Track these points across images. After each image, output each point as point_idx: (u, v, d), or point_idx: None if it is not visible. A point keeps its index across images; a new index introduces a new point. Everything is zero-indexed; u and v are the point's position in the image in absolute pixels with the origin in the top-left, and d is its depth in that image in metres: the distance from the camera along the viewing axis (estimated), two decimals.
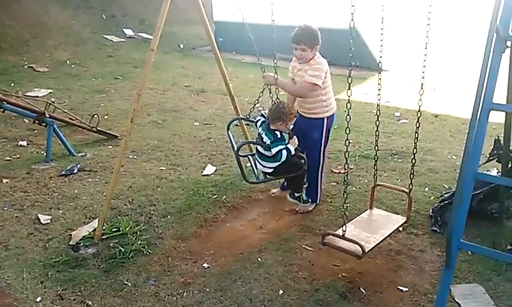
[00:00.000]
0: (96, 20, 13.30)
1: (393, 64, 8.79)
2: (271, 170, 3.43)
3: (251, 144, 4.19)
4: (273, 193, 4.13)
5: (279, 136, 3.34)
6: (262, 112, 3.57)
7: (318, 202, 3.95)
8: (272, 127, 3.38)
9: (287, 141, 3.37)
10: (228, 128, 3.60)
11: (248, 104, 4.63)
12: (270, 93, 3.47)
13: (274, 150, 3.28)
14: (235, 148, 3.37)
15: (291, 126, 3.44)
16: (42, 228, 3.63)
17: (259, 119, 3.50)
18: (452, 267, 2.25)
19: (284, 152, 3.27)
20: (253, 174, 3.73)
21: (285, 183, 3.80)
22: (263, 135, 3.39)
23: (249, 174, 3.71)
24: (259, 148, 3.48)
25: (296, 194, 3.67)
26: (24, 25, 11.12)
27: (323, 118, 3.68)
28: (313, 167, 3.74)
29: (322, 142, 3.75)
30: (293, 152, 3.33)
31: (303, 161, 3.40)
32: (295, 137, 3.42)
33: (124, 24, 13.66)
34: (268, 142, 3.32)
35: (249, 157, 3.77)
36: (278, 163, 3.35)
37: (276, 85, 3.42)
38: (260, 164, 3.46)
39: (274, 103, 3.36)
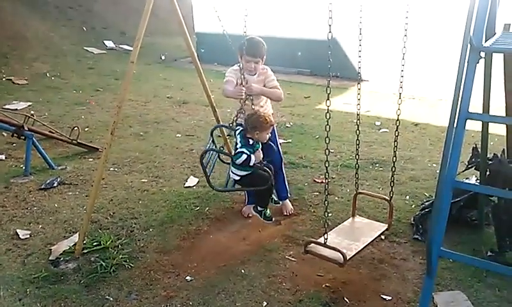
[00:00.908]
0: (77, 32, 13.20)
1: (373, 74, 8.91)
2: (238, 178, 3.45)
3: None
4: (247, 214, 4.04)
5: (250, 143, 3.38)
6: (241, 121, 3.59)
7: (290, 195, 4.13)
8: (248, 135, 3.40)
9: (256, 150, 3.41)
10: (211, 134, 3.57)
11: (230, 115, 4.62)
12: (252, 104, 3.50)
13: (237, 150, 3.32)
14: (203, 152, 3.39)
15: (268, 136, 3.45)
16: (21, 243, 3.55)
17: (238, 128, 3.51)
18: (434, 275, 2.26)
19: (243, 156, 3.29)
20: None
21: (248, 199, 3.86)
22: (237, 141, 3.42)
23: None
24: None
25: (259, 208, 3.64)
26: (3, 38, 10.96)
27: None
28: (279, 165, 3.91)
29: (278, 140, 3.99)
30: (252, 162, 3.32)
31: (268, 175, 3.36)
32: (260, 151, 3.45)
33: (105, 36, 13.58)
34: (239, 145, 3.36)
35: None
36: (244, 172, 3.38)
37: (258, 94, 3.46)
38: (232, 170, 3.49)
39: (251, 113, 3.41)
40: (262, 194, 3.55)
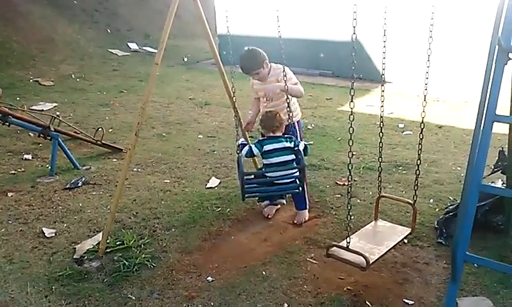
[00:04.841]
0: (102, 34, 13.43)
1: (397, 75, 8.81)
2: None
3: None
4: (267, 214, 4.03)
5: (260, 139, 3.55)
6: (241, 141, 3.64)
7: (308, 207, 3.98)
8: (277, 134, 3.56)
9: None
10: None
11: None
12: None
13: (301, 145, 3.46)
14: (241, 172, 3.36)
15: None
16: (46, 241, 3.63)
17: (242, 144, 3.58)
18: (458, 280, 2.23)
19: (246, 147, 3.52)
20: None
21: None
22: (276, 146, 3.49)
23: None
24: (282, 158, 3.49)
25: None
26: (32, 41, 11.24)
27: (294, 123, 3.71)
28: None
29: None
30: (245, 152, 3.54)
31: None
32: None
33: (129, 38, 13.79)
34: (292, 144, 3.47)
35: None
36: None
37: (285, 91, 3.53)
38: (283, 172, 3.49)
39: (266, 115, 3.62)
40: None
